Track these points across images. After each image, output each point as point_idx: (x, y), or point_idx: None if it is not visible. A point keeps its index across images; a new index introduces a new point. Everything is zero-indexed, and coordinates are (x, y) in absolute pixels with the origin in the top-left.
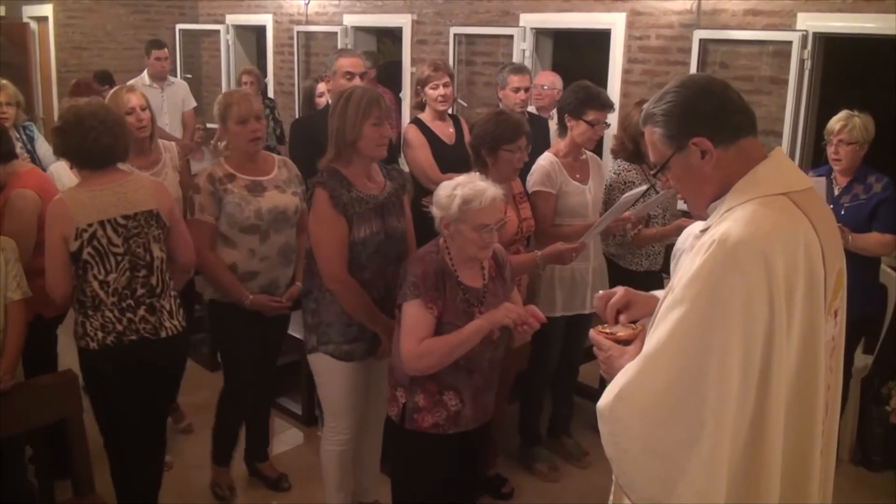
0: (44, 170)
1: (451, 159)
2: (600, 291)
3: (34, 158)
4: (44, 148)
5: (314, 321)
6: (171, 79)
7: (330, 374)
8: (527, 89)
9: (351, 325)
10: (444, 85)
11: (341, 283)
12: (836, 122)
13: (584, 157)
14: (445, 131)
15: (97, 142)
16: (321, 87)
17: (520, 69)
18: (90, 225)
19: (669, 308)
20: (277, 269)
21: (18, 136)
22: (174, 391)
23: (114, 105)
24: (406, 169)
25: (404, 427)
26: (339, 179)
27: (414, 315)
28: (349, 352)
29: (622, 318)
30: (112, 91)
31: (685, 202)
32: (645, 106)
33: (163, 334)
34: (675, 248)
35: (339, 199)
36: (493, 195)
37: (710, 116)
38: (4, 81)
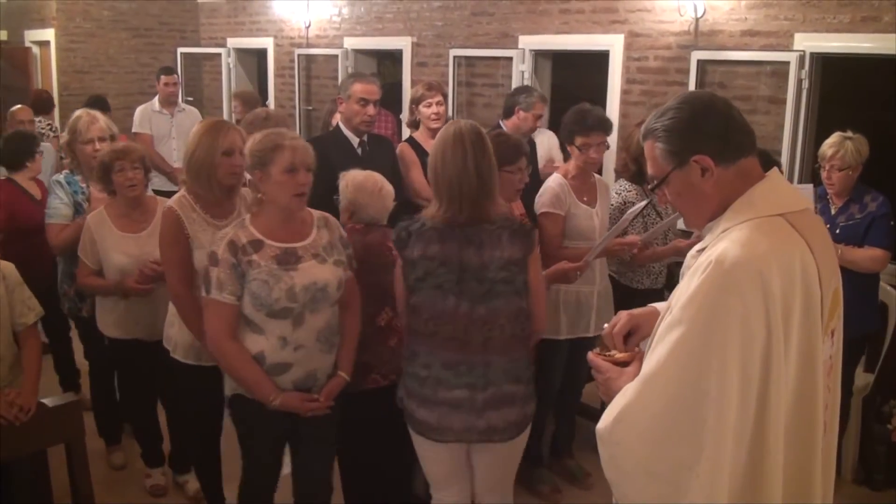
0: None
1: None
2: (606, 326)
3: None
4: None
5: None
6: (183, 105)
7: None
8: (540, 116)
9: None
10: (438, 103)
11: None
12: (828, 148)
13: (592, 180)
14: None
15: None
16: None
17: (545, 98)
18: None
19: (668, 329)
20: (316, 359)
21: None
22: None
23: (212, 141)
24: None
25: None
26: None
27: None
28: None
29: (632, 340)
30: (217, 122)
31: (682, 218)
32: (646, 120)
33: None
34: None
35: None
36: None
37: (713, 135)
38: (95, 112)
